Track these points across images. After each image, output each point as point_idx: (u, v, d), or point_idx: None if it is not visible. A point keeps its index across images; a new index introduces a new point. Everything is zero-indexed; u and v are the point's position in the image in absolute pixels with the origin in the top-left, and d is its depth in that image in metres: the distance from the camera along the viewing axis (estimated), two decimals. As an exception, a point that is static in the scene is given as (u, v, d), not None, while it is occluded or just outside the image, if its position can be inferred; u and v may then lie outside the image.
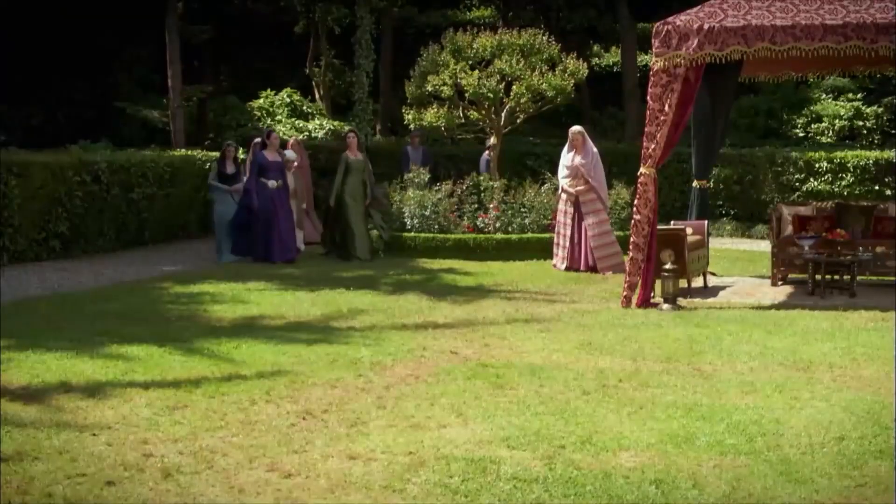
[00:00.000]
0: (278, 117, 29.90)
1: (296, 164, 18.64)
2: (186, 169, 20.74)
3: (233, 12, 33.68)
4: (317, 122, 29.95)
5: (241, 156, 18.96)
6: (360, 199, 17.49)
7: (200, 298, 12.89)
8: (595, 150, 16.27)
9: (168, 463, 6.19)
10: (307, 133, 28.65)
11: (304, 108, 31.20)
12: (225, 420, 7.18)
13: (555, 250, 16.41)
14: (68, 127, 27.00)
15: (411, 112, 19.69)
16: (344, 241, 17.36)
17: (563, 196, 16.23)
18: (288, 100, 30.79)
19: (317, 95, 33.72)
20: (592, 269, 15.75)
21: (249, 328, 10.78)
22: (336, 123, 29.64)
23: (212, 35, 31.04)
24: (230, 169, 17.86)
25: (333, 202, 17.48)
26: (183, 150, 22.50)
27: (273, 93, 30.89)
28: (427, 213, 17.79)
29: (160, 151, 21.87)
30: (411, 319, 11.30)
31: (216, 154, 22.34)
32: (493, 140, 19.48)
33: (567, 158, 16.17)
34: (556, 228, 16.46)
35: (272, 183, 16.92)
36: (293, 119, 29.90)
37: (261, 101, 30.58)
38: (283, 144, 19.01)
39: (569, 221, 16.08)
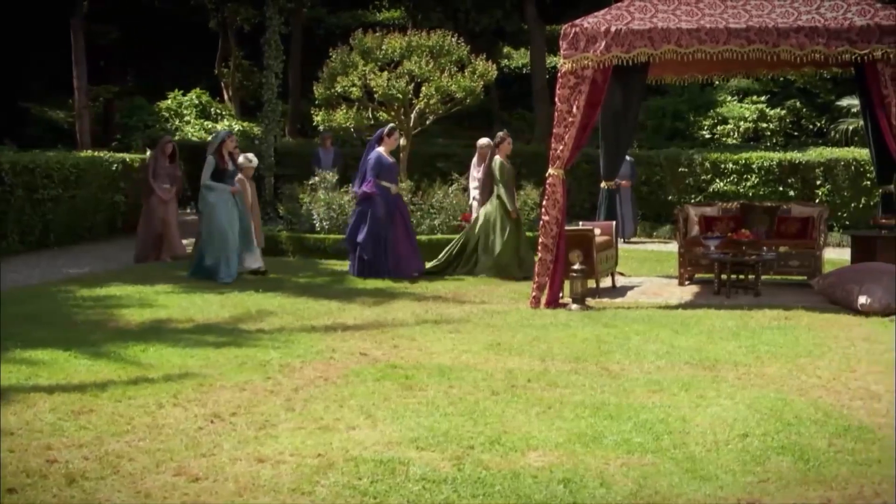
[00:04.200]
0: (186, 118, 29.68)
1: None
2: (93, 170, 20.40)
3: (141, 12, 33.31)
4: (225, 123, 29.77)
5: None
6: None
7: (107, 301, 12.70)
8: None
9: (72, 469, 6.09)
10: (215, 134, 28.44)
11: (213, 109, 31.00)
12: (131, 424, 7.08)
13: None
14: (-29, 128, 26.55)
15: (321, 113, 19.66)
16: None
17: (475, 204, 16.25)
18: (196, 101, 30.56)
19: (226, 96, 33.54)
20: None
21: (157, 331, 10.64)
22: (245, 124, 29.48)
23: (119, 35, 30.69)
24: (230, 166, 15.15)
25: None
26: (89, 152, 22.18)
27: (181, 93, 30.64)
28: (336, 214, 17.71)
29: (66, 152, 21.53)
30: (320, 321, 11.25)
31: (124, 155, 22.14)
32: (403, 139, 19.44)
33: (477, 170, 16.21)
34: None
35: (394, 187, 15.27)
36: (202, 120, 29.69)
37: (168, 101, 30.29)
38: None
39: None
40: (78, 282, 14.49)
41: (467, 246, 15.39)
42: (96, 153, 21.70)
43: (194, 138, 27.81)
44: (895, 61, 11.78)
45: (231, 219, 14.71)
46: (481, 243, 15.21)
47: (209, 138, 27.20)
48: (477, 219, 15.42)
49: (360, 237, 14.92)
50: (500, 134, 15.46)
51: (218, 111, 31.14)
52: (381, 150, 15.10)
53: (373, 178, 14.91)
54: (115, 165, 21.16)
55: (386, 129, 15.39)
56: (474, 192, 16.24)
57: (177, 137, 27.66)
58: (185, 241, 17.89)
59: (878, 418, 7.23)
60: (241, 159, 15.71)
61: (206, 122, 29.55)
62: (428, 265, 15.43)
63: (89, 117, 27.27)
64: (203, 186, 14.95)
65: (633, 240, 21.19)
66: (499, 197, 14.92)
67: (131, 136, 27.73)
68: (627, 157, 21.63)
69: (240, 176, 15.30)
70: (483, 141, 16.26)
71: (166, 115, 29.81)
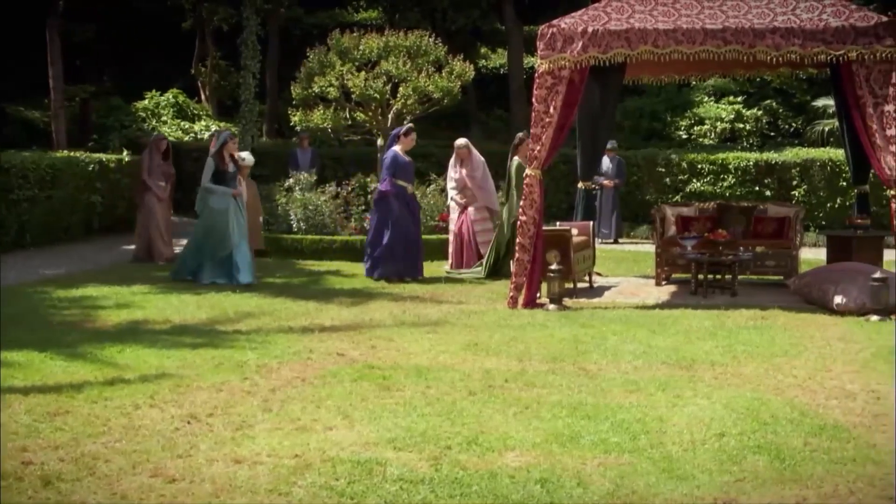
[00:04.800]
0: (163, 118, 29.58)
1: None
2: (69, 170, 20.30)
3: (117, 12, 33.19)
4: (203, 123, 29.71)
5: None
6: None
7: (83, 302, 12.65)
8: (482, 159, 16.21)
9: (48, 470, 6.06)
10: (193, 135, 28.38)
11: (190, 109, 30.92)
12: (107, 425, 7.05)
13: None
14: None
15: (298, 113, 19.63)
16: None
17: (453, 204, 16.22)
18: (173, 101, 30.47)
19: (203, 96, 33.46)
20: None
21: (133, 332, 10.60)
22: (222, 124, 29.40)
23: (95, 34, 30.57)
24: (230, 168, 14.66)
25: None
26: (65, 152, 22.07)
27: (158, 94, 30.54)
28: (313, 214, 17.69)
29: (41, 153, 21.43)
30: (298, 322, 11.24)
31: (100, 156, 22.04)
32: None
33: (455, 171, 16.17)
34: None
35: (410, 187, 15.09)
36: (178, 120, 29.61)
37: (145, 101, 30.19)
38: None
39: (455, 228, 16.07)
40: (54, 282, 14.43)
41: (500, 249, 15.26)
42: (72, 153, 21.60)
43: (171, 138, 27.69)
44: (870, 62, 11.85)
45: (231, 223, 14.35)
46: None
47: (186, 138, 27.28)
48: (503, 223, 15.26)
49: (385, 239, 14.77)
50: (520, 135, 15.20)
51: (195, 111, 31.06)
52: (397, 149, 15.00)
53: (388, 177, 14.83)
54: (92, 166, 21.06)
55: (403, 129, 15.28)
56: (452, 193, 16.19)
57: (188, 138, 27.62)
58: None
59: (853, 417, 7.26)
60: (246, 155, 15.81)
61: (182, 123, 29.46)
62: (478, 274, 15.31)
63: (65, 117, 27.15)
64: (203, 189, 14.57)
65: (608, 240, 21.19)
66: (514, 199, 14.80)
67: (108, 136, 27.61)
68: (617, 157, 21.73)
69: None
70: (460, 141, 16.21)
71: (143, 115, 29.70)
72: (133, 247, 17.74)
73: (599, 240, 19.50)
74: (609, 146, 21.04)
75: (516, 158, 14.89)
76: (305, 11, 35.88)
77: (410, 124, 15.74)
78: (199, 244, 14.55)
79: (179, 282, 14.32)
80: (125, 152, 23.21)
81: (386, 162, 14.96)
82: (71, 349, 9.57)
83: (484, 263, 15.34)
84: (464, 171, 15.86)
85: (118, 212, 22.09)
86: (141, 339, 10.14)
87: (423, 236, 16.55)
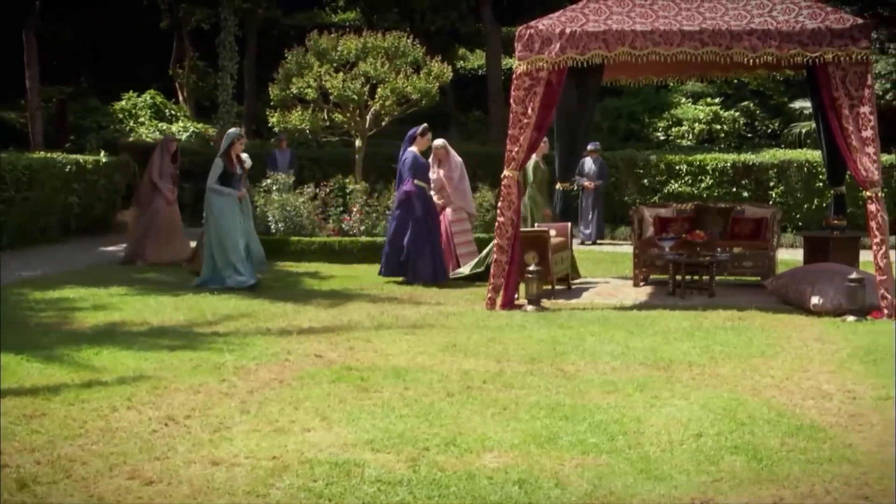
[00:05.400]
0: (141, 119, 29.49)
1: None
2: (46, 172, 20.18)
3: (95, 12, 33.07)
4: (180, 124, 29.62)
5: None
6: None
7: (60, 304, 12.60)
8: (460, 160, 16.19)
9: (24, 473, 6.03)
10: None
11: (168, 110, 30.84)
12: (84, 428, 7.02)
13: None
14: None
15: (276, 114, 19.60)
16: None
17: None
18: (151, 102, 30.38)
19: (180, 97, 33.37)
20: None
21: (111, 334, 10.56)
22: (200, 126, 29.35)
23: (72, 35, 30.44)
24: (238, 169, 14.47)
25: None
26: (42, 153, 21.96)
27: (136, 94, 30.44)
28: (292, 215, 17.66)
29: (18, 154, 21.31)
30: (276, 323, 11.22)
31: (77, 157, 21.94)
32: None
33: (433, 172, 16.14)
34: None
35: (429, 187, 15.05)
36: (156, 122, 29.52)
37: (123, 102, 30.10)
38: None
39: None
40: (31, 284, 14.36)
41: None
42: (49, 154, 21.48)
43: (149, 139, 27.64)
44: (845, 64, 11.91)
45: (238, 224, 14.09)
46: None
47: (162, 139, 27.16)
48: (525, 220, 14.97)
49: (406, 241, 14.70)
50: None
51: (173, 112, 30.97)
52: (414, 149, 14.99)
53: (410, 178, 14.81)
54: (69, 167, 20.95)
55: (419, 129, 15.21)
56: (430, 194, 16.17)
57: (131, 138, 27.52)
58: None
59: (830, 417, 7.29)
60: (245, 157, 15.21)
61: (160, 124, 29.37)
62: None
63: (42, 118, 27.03)
64: (210, 190, 14.16)
65: (587, 242, 21.24)
66: (531, 198, 14.78)
67: (85, 137, 27.51)
68: (600, 158, 21.78)
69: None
70: (438, 142, 16.17)
71: (120, 116, 29.59)
72: (123, 247, 17.56)
73: (578, 240, 19.56)
74: (591, 147, 21.12)
75: (534, 157, 14.83)
76: (283, 12, 35.86)
77: (425, 124, 15.62)
78: (224, 250, 14.03)
79: (157, 285, 14.26)
80: (102, 153, 23.11)
81: (406, 163, 14.89)
82: (47, 351, 9.53)
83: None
84: (441, 172, 15.83)
85: (95, 213, 22.02)
86: (118, 340, 10.10)
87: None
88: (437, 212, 15.29)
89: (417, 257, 14.68)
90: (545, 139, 14.88)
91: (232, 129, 15.27)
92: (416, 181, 14.82)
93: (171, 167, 17.42)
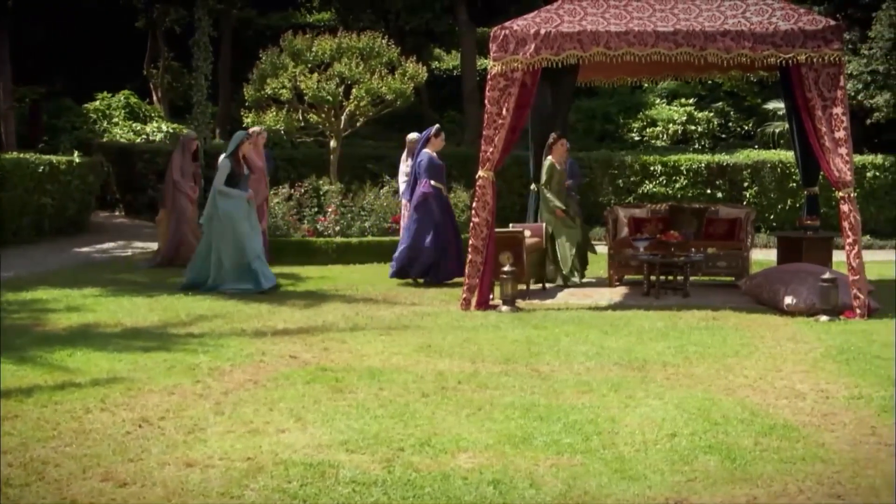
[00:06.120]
0: (115, 120, 29.36)
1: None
2: (19, 172, 20.05)
3: (68, 12, 32.89)
4: (154, 124, 29.50)
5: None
6: None
7: (33, 305, 12.53)
8: None
9: (-4, 475, 6.01)
10: (145, 136, 28.20)
11: (142, 110, 30.71)
12: (58, 429, 6.98)
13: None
14: None
15: (250, 115, 19.56)
16: None
17: (404, 202, 16.20)
18: (125, 102, 30.24)
19: (155, 98, 33.23)
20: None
21: (84, 335, 10.51)
22: (174, 126, 29.24)
23: (45, 35, 30.27)
24: (245, 170, 14.19)
25: None
26: (15, 153, 21.82)
27: (110, 95, 30.30)
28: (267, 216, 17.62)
29: (-10, 154, 21.21)
30: (250, 324, 11.19)
31: (50, 157, 21.82)
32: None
33: (406, 165, 16.14)
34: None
35: (444, 188, 15.12)
36: (130, 122, 29.39)
37: (97, 103, 29.96)
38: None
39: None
40: (3, 286, 14.27)
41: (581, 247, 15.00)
42: (22, 155, 21.34)
43: (123, 140, 27.53)
44: (818, 65, 11.97)
45: (248, 229, 13.79)
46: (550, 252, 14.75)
47: (138, 140, 27.07)
48: (562, 221, 14.80)
49: (428, 242, 14.66)
50: (554, 135, 14.82)
51: (147, 113, 30.83)
52: (429, 150, 14.96)
53: (427, 179, 14.78)
54: (42, 167, 20.82)
55: (433, 130, 15.17)
56: (402, 187, 16.16)
57: (105, 139, 27.40)
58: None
59: (803, 417, 7.32)
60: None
61: (134, 124, 29.23)
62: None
63: (15, 118, 26.87)
64: (217, 192, 13.78)
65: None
66: (545, 199, 14.71)
67: (58, 137, 27.35)
68: (570, 159, 21.75)
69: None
70: (412, 135, 16.17)
71: (94, 116, 29.45)
72: (155, 247, 17.47)
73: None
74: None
75: (550, 157, 14.79)
76: (258, 13, 35.79)
77: (437, 125, 15.59)
78: (218, 251, 13.75)
79: (130, 285, 14.21)
80: (76, 154, 22.99)
81: (422, 165, 14.86)
82: (20, 353, 9.47)
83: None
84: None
85: (69, 214, 21.91)
86: (92, 342, 10.05)
87: (376, 238, 16.61)
88: (452, 212, 15.35)
89: (445, 257, 14.72)
90: (563, 140, 14.78)
91: (241, 131, 14.90)
92: (432, 182, 14.81)
93: (193, 165, 17.30)
